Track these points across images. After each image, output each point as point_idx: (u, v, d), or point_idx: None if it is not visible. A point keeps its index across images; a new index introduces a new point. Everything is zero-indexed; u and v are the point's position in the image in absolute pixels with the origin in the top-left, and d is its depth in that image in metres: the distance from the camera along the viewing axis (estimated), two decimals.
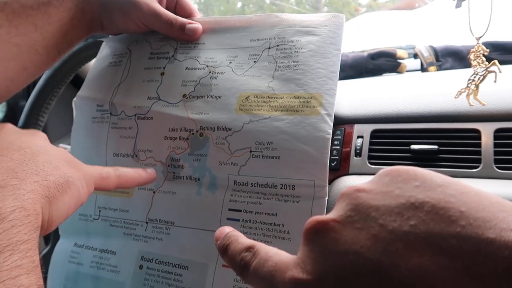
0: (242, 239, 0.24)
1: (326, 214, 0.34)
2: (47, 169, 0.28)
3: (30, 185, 0.26)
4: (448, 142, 0.49)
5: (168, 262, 0.39)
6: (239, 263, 0.23)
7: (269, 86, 0.39)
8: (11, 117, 0.91)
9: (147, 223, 0.41)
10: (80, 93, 0.49)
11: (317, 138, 0.35)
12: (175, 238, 0.39)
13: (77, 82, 0.74)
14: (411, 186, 0.18)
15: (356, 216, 0.19)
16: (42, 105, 0.58)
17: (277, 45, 0.41)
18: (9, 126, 0.31)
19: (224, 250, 0.24)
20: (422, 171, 0.19)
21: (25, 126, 0.60)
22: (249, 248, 0.23)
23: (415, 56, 0.87)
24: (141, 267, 0.40)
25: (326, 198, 0.34)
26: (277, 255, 0.21)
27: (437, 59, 0.82)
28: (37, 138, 0.31)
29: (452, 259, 0.15)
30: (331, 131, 0.35)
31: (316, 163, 0.34)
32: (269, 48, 0.41)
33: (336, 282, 0.18)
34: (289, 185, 0.35)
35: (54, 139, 0.92)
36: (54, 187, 0.27)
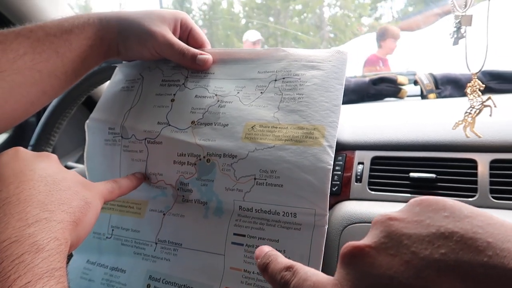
0: (281, 259, 0.26)
1: (326, 240, 0.36)
2: (69, 196, 0.31)
3: (60, 215, 0.29)
4: (446, 171, 0.51)
5: (175, 283, 0.40)
6: (279, 281, 0.24)
7: (274, 117, 0.41)
8: (20, 132, 0.93)
9: (156, 243, 0.43)
10: (92, 115, 0.50)
11: (319, 168, 0.36)
12: (182, 259, 0.41)
13: (88, 103, 0.77)
14: (440, 216, 0.20)
15: (389, 243, 0.21)
16: (54, 125, 0.60)
17: (283, 78, 0.43)
18: (22, 150, 0.33)
19: (264, 268, 0.26)
20: (451, 202, 0.21)
21: (37, 144, 0.62)
22: (288, 268, 0.25)
23: (415, 83, 0.89)
24: (148, 286, 0.41)
25: (326, 227, 0.36)
26: (315, 276, 0.23)
27: (437, 87, 0.84)
28: (52, 163, 0.34)
29: (479, 285, 0.17)
30: (332, 162, 0.37)
31: (317, 192, 0.36)
32: (276, 80, 0.43)
33: None
34: (291, 213, 0.37)
35: (61, 156, 0.94)
36: (78, 211, 0.31)
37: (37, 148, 0.62)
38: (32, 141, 0.62)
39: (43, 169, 0.31)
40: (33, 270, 0.24)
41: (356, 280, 0.21)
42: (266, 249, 0.28)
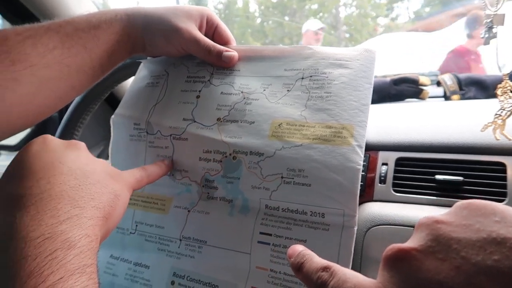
0: (317, 259, 0.26)
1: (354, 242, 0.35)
2: (98, 190, 0.31)
3: (90, 212, 0.29)
4: (473, 174, 0.50)
5: (199, 280, 0.40)
6: (316, 281, 0.24)
7: (302, 115, 0.40)
8: (43, 127, 0.94)
9: (180, 240, 0.43)
10: (118, 111, 0.51)
11: (348, 168, 0.36)
12: (206, 257, 0.41)
13: (109, 98, 0.78)
14: (491, 221, 0.19)
15: (437, 247, 0.20)
16: (78, 120, 0.61)
17: (310, 76, 0.42)
18: (50, 139, 0.32)
19: (299, 267, 0.26)
20: (500, 206, 0.20)
21: (61, 138, 0.62)
22: (325, 268, 0.24)
23: (438, 83, 0.88)
24: (173, 283, 0.41)
25: (355, 228, 0.35)
26: (356, 277, 0.23)
27: (461, 88, 0.83)
28: (81, 153, 0.33)
29: None
30: (361, 162, 0.36)
31: (346, 192, 0.36)
32: (303, 78, 0.43)
33: None
34: (319, 213, 0.37)
35: None
36: (108, 205, 0.31)
37: None
38: (56, 136, 0.63)
39: (72, 161, 0.31)
40: (66, 266, 0.24)
41: (401, 283, 0.20)
42: (299, 248, 0.27)
